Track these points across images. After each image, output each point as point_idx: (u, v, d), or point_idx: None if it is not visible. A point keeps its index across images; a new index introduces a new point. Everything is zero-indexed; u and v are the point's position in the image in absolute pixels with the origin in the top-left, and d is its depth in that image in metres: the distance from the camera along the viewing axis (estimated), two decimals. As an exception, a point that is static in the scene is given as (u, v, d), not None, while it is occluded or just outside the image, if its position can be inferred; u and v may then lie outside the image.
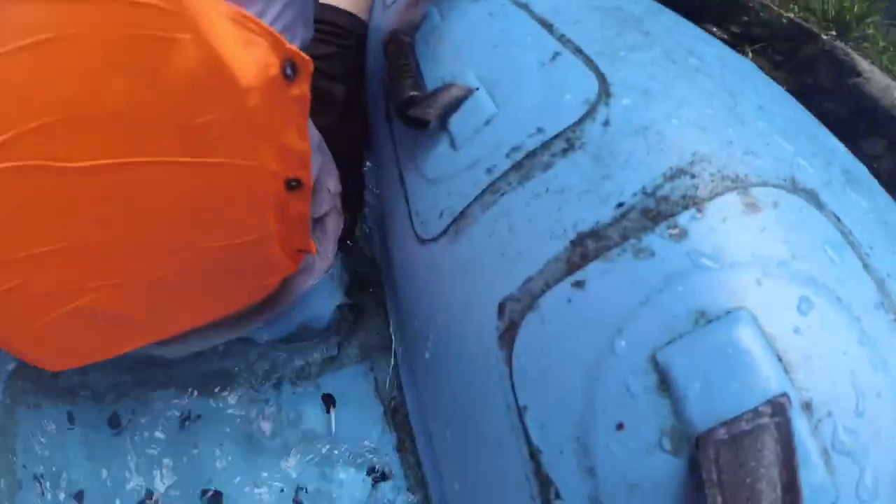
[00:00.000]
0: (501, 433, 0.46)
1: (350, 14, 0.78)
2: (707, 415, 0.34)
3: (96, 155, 0.44)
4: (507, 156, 0.52)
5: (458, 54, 0.61)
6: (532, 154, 0.50)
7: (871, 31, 0.63)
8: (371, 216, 0.86)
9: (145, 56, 0.41)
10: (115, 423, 0.70)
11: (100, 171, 0.44)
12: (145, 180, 0.46)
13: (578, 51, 0.52)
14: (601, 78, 0.49)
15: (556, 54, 0.53)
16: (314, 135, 0.69)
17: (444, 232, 0.56)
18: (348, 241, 0.83)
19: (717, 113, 0.44)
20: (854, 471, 0.33)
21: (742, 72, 0.50)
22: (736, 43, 0.77)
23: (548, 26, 0.55)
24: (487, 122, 0.55)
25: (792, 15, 0.58)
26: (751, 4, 0.59)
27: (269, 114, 0.46)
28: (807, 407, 0.34)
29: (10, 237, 0.47)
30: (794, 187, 0.41)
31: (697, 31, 0.55)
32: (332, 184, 0.72)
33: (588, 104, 0.49)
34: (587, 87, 0.49)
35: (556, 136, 0.49)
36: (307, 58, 0.47)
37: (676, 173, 0.42)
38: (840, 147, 0.46)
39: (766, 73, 0.53)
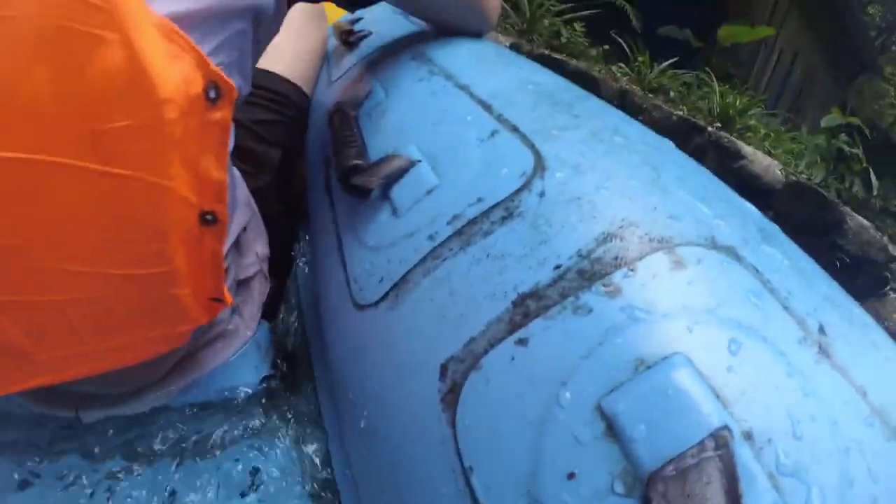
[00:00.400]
0: (446, 500, 0.44)
1: (296, 86, 0.81)
2: (655, 454, 0.35)
3: (7, 146, 0.42)
4: (449, 223, 0.54)
5: (402, 129, 0.64)
6: (473, 222, 0.53)
7: (752, 122, 0.74)
8: (301, 285, 0.84)
9: (72, 49, 0.42)
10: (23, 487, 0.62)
11: (8, 164, 0.42)
12: (52, 182, 0.44)
13: (515, 129, 0.57)
14: (536, 154, 0.54)
15: (495, 132, 0.57)
16: (242, 188, 0.68)
17: (384, 297, 0.56)
18: (274, 310, 0.80)
19: (641, 184, 0.49)
20: (801, 489, 0.35)
21: (662, 148, 0.56)
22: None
23: (487, 107, 0.60)
24: (429, 192, 0.57)
25: (682, 112, 0.67)
26: (644, 106, 0.67)
27: (186, 132, 0.46)
28: (748, 436, 0.36)
29: None
30: (715, 245, 0.45)
31: (621, 114, 0.62)
32: (261, 247, 0.71)
33: (525, 177, 0.52)
34: (523, 162, 0.53)
35: (495, 206, 0.52)
36: (231, 83, 0.47)
37: (608, 237, 0.46)
38: (753, 210, 0.51)
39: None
